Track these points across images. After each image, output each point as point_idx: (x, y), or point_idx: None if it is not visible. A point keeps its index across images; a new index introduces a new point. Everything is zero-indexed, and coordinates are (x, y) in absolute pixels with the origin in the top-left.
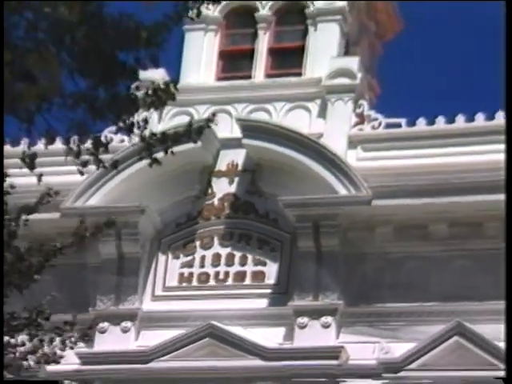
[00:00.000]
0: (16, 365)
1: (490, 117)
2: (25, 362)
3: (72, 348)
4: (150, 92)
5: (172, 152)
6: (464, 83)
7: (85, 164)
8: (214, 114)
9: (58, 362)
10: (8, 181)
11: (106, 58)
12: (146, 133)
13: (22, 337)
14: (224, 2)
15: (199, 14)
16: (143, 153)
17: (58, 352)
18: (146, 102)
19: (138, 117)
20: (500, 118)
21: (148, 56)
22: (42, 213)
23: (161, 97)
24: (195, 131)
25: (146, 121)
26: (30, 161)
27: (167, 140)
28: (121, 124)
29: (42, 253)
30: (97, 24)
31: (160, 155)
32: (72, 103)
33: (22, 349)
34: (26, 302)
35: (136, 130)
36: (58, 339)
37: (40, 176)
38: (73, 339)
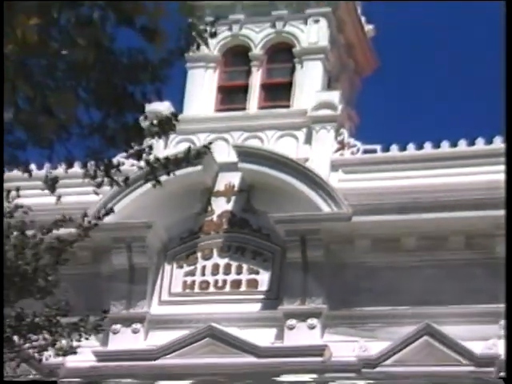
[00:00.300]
0: (36, 358)
1: (454, 144)
2: (46, 353)
3: (87, 338)
4: (154, 123)
5: (174, 174)
6: (430, 114)
7: (100, 185)
8: (210, 143)
9: (75, 353)
10: (25, 202)
11: (117, 93)
12: (151, 158)
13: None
14: (222, 42)
15: (198, 46)
16: (148, 176)
17: (75, 344)
18: (151, 131)
19: (146, 144)
20: (462, 146)
21: (154, 91)
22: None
23: (164, 127)
24: (193, 157)
25: (150, 147)
26: (51, 184)
27: (169, 164)
28: (130, 151)
29: (54, 250)
30: (109, 62)
31: (164, 178)
32: (87, 132)
33: (42, 342)
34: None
35: (144, 156)
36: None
37: (59, 197)
38: (88, 330)
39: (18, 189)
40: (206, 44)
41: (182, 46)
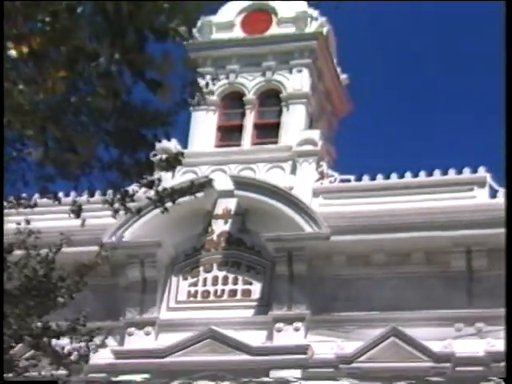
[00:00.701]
0: (62, 361)
1: (415, 175)
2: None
3: (94, 352)
4: (163, 158)
5: (178, 202)
6: (395, 149)
7: (116, 211)
8: (210, 180)
9: (86, 362)
10: (53, 224)
11: (131, 134)
12: (160, 188)
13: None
14: (221, 89)
15: (199, 103)
16: (157, 203)
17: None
18: (160, 166)
19: (156, 176)
20: (422, 176)
21: (163, 132)
22: (84, 246)
23: (171, 163)
24: (196, 187)
25: (159, 180)
26: (77, 210)
27: (174, 194)
28: (143, 182)
29: (78, 272)
30: (125, 109)
31: (170, 204)
32: (106, 167)
33: (64, 351)
34: (73, 313)
35: (154, 187)
36: (82, 348)
37: (83, 221)
38: (93, 346)
39: (28, 220)
40: (209, 96)
41: (186, 99)
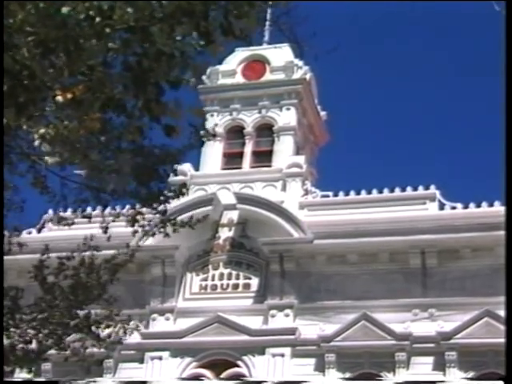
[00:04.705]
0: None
1: (380, 191)
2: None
3: (130, 335)
4: (172, 189)
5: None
6: (364, 170)
7: (135, 232)
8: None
9: (121, 343)
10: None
11: (148, 170)
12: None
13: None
14: (225, 124)
15: (202, 144)
16: (161, 228)
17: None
18: (170, 196)
19: (163, 207)
20: (386, 192)
21: (171, 169)
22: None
23: (178, 193)
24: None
25: (165, 212)
26: (105, 227)
27: (177, 224)
28: (156, 210)
29: (111, 270)
30: (143, 150)
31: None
32: (128, 196)
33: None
34: (109, 302)
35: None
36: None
37: (109, 237)
38: (129, 330)
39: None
40: (212, 138)
41: (193, 143)
